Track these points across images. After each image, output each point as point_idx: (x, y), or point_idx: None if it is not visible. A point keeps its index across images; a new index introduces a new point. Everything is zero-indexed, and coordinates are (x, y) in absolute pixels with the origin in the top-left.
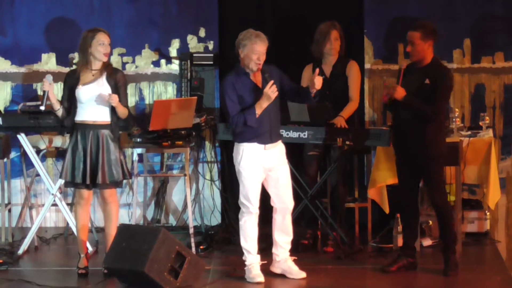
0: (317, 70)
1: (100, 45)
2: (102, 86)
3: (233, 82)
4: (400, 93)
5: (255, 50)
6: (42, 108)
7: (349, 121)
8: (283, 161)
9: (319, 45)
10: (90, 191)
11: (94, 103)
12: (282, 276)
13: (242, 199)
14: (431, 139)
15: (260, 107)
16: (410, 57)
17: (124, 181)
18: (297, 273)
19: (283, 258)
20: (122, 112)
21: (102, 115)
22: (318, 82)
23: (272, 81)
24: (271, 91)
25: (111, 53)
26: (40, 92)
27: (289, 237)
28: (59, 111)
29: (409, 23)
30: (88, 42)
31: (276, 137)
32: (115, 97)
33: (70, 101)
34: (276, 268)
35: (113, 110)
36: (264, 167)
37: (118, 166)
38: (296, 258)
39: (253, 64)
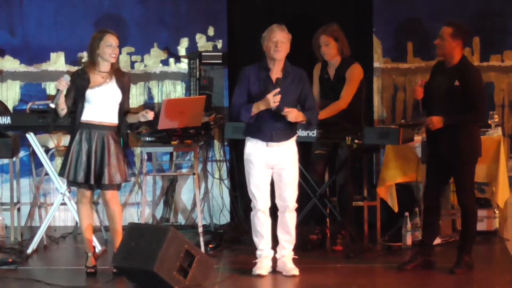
0: (277, 90)
1: (108, 46)
2: (113, 89)
3: (249, 74)
4: (438, 123)
5: (272, 38)
6: (52, 105)
7: (358, 120)
8: (289, 161)
9: (315, 51)
10: (91, 190)
11: (103, 105)
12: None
13: (249, 193)
14: (464, 140)
15: (257, 108)
16: (436, 50)
17: (133, 179)
18: (289, 269)
19: (281, 256)
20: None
21: (109, 117)
22: (275, 100)
23: (278, 90)
24: (273, 100)
25: (120, 52)
26: (48, 92)
27: (290, 236)
28: (64, 110)
29: (418, 22)
30: (96, 43)
31: (280, 138)
32: (152, 113)
33: (75, 100)
34: (276, 266)
35: (120, 112)
36: (267, 163)
37: (122, 168)
38: (296, 257)
39: (272, 51)
